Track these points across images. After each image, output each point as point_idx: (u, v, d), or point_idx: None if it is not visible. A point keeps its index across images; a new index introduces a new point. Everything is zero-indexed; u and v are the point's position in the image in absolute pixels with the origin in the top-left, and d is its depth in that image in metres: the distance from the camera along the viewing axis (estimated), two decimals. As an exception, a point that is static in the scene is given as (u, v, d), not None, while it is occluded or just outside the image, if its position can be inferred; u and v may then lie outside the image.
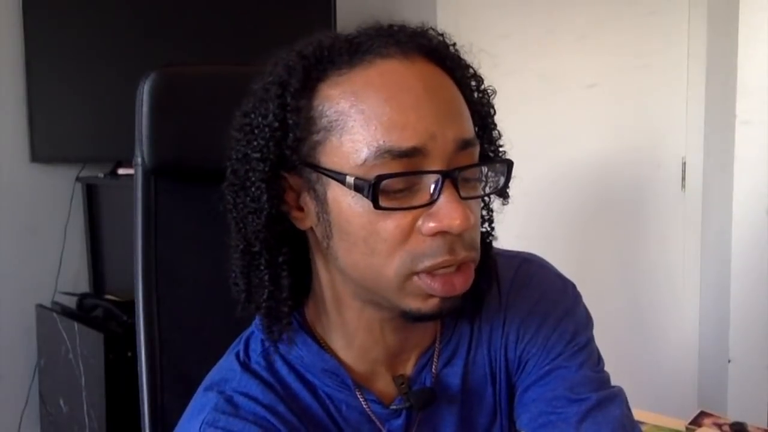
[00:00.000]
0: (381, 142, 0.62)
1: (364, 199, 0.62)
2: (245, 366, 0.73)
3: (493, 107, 0.73)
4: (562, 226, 2.28)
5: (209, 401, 0.71)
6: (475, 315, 0.76)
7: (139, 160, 1.09)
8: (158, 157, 1.08)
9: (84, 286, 2.39)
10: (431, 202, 0.63)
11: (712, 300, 2.13)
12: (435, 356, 0.75)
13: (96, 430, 1.95)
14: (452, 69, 0.68)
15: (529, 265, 0.80)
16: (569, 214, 2.29)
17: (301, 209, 0.69)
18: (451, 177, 0.62)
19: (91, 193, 2.36)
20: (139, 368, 1.07)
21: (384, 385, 0.74)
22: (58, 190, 2.36)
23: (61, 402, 2.15)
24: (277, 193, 0.67)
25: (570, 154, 2.28)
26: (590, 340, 0.78)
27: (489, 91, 0.72)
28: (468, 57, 0.72)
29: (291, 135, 0.65)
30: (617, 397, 0.75)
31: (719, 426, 1.35)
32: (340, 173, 0.63)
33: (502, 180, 0.68)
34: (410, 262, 0.64)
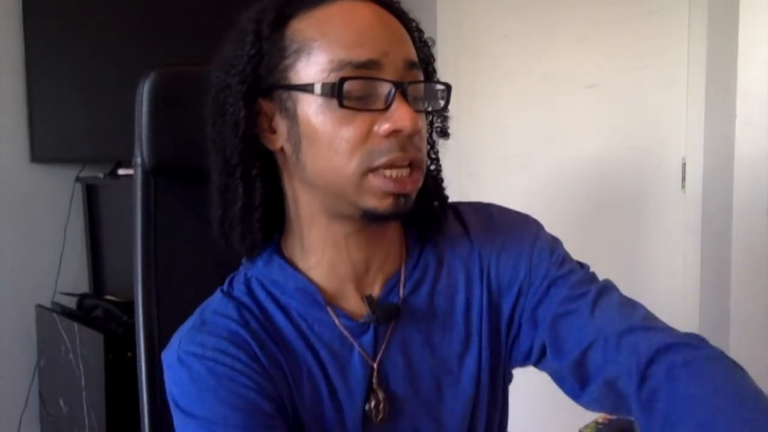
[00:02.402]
0: (342, 57, 0.73)
1: (330, 106, 0.73)
2: (227, 294, 0.83)
3: (433, 56, 0.84)
4: (561, 225, 2.27)
5: (190, 322, 0.81)
6: (440, 249, 0.85)
7: (139, 160, 1.09)
8: (158, 157, 1.08)
9: (84, 286, 2.39)
10: (386, 108, 0.73)
11: (712, 300, 2.13)
12: (401, 282, 0.83)
13: (96, 430, 1.95)
14: (399, 17, 0.79)
15: (490, 208, 0.90)
16: (569, 214, 2.29)
17: (273, 132, 0.79)
18: (401, 87, 0.74)
19: (91, 194, 2.36)
20: (138, 368, 1.07)
21: (354, 304, 0.82)
22: (58, 190, 2.36)
23: (61, 402, 2.15)
24: (252, 113, 0.77)
25: (570, 154, 2.28)
26: (566, 253, 0.88)
27: (429, 40, 0.84)
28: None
29: (266, 59, 0.76)
30: (609, 284, 0.85)
31: (719, 426, 1.35)
32: (310, 84, 0.74)
33: (442, 103, 0.80)
34: (368, 158, 0.74)
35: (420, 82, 0.78)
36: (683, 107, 2.15)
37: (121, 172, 2.22)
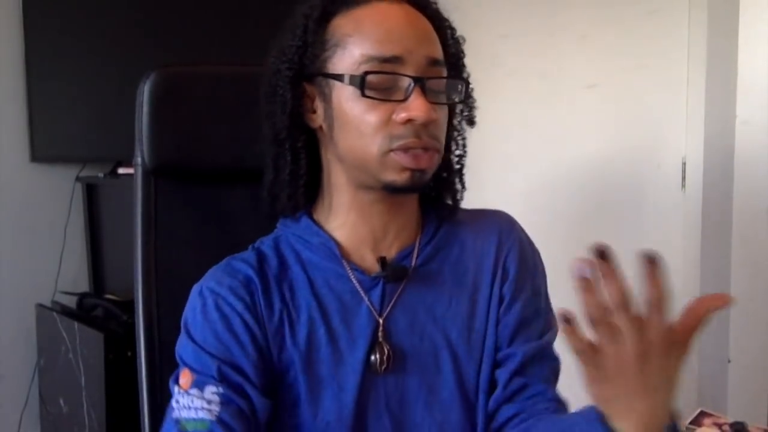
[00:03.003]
0: (371, 52, 0.84)
1: (357, 94, 0.85)
2: (256, 248, 0.95)
3: (463, 52, 0.95)
4: (561, 225, 2.28)
5: (220, 263, 0.94)
6: (458, 234, 0.96)
7: (139, 160, 1.09)
8: (158, 157, 1.08)
9: (84, 285, 2.39)
10: (404, 99, 0.84)
11: (712, 300, 2.13)
12: (415, 252, 0.94)
13: (96, 430, 1.95)
14: (431, 17, 0.90)
15: (517, 224, 1.01)
16: (569, 214, 2.29)
17: (314, 112, 0.91)
18: (420, 82, 0.84)
19: (91, 193, 2.37)
20: (138, 368, 1.07)
21: (368, 264, 0.92)
22: (58, 190, 2.36)
23: (61, 402, 2.15)
24: (298, 95, 0.90)
25: (570, 154, 2.28)
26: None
27: (459, 38, 0.94)
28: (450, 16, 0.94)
29: (310, 50, 0.88)
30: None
31: (719, 426, 1.35)
32: (341, 75, 0.86)
33: (462, 96, 0.91)
34: (388, 141, 0.84)
35: (438, 77, 0.87)
36: (683, 107, 2.15)
37: (121, 171, 2.22)
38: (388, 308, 0.91)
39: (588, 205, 2.28)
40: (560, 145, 2.28)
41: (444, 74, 0.88)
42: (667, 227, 2.21)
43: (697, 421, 1.37)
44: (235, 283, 0.90)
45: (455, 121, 0.96)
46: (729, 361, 2.06)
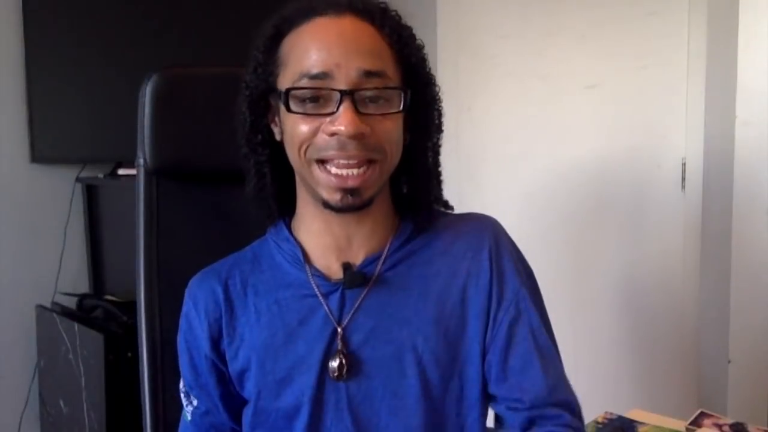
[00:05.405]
0: (302, 69, 0.85)
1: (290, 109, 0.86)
2: (240, 252, 1.00)
3: (424, 60, 0.93)
4: (561, 226, 2.28)
5: (211, 265, 0.99)
6: (438, 242, 0.95)
7: (141, 161, 1.09)
8: (160, 158, 1.08)
9: (84, 286, 2.39)
10: (333, 113, 0.84)
11: (712, 300, 2.14)
12: (382, 259, 0.93)
13: (96, 430, 1.95)
14: (381, 26, 0.88)
15: (499, 228, 0.98)
16: (569, 214, 2.29)
17: (277, 126, 0.93)
18: (348, 95, 0.83)
19: (91, 194, 2.36)
20: (140, 368, 1.07)
21: (333, 271, 0.93)
22: (58, 190, 2.36)
23: (61, 402, 2.15)
24: (258, 110, 0.92)
25: (570, 154, 2.28)
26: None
27: (420, 44, 0.92)
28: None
29: (261, 69, 0.91)
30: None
31: (719, 426, 1.35)
32: (280, 92, 0.87)
33: (401, 106, 0.87)
34: (312, 151, 0.86)
35: (370, 89, 0.85)
36: (683, 107, 2.15)
37: (121, 172, 2.22)
38: (350, 313, 0.91)
39: (588, 206, 2.29)
40: (560, 145, 2.28)
41: (380, 85, 0.85)
42: (667, 227, 2.21)
43: (697, 422, 1.37)
44: (200, 295, 0.96)
45: (418, 130, 0.94)
46: (729, 361, 2.06)
